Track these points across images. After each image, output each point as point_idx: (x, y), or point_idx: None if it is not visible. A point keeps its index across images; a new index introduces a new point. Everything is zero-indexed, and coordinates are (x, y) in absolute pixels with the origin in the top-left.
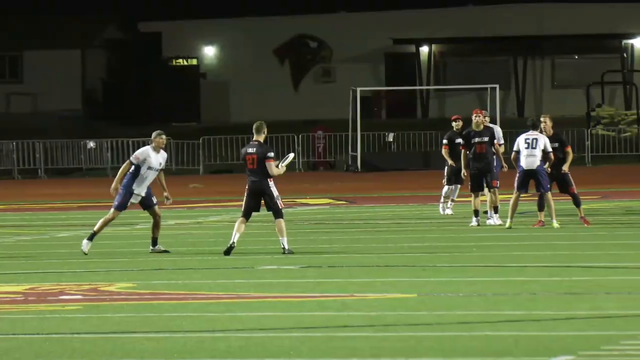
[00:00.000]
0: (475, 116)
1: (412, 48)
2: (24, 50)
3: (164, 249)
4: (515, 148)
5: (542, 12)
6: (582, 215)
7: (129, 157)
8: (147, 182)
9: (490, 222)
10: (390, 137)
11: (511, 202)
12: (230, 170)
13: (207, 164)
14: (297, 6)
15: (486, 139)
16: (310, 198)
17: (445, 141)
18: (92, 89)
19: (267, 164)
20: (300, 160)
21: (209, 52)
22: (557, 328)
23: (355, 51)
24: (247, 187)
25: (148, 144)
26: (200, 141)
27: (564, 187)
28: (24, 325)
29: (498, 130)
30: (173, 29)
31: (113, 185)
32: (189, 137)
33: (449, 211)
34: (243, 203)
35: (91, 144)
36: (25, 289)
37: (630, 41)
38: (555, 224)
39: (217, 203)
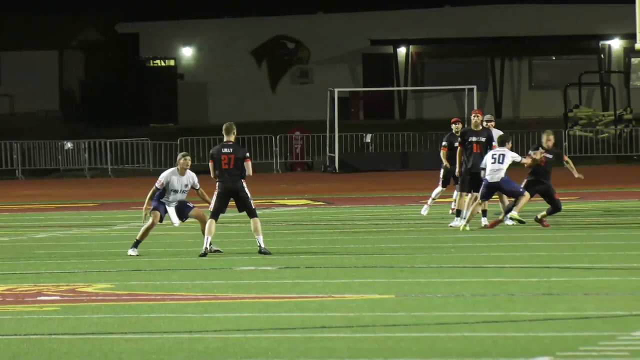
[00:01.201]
0: (474, 116)
1: (390, 49)
2: (0, 51)
3: (216, 248)
4: (482, 164)
5: (519, 13)
6: (543, 218)
7: (106, 158)
8: (178, 199)
9: (454, 223)
10: (368, 138)
11: (472, 207)
12: (208, 171)
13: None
14: (275, 7)
15: (483, 139)
16: (287, 199)
17: (444, 143)
18: (69, 90)
19: (246, 163)
20: (278, 161)
21: (187, 52)
22: (535, 329)
23: (333, 52)
24: (218, 187)
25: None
26: (178, 142)
27: (549, 197)
28: (1, 326)
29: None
30: (150, 29)
31: (144, 207)
32: (167, 138)
33: (425, 212)
34: (212, 204)
35: (69, 145)
36: (3, 290)
37: (608, 42)
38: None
39: (196, 204)
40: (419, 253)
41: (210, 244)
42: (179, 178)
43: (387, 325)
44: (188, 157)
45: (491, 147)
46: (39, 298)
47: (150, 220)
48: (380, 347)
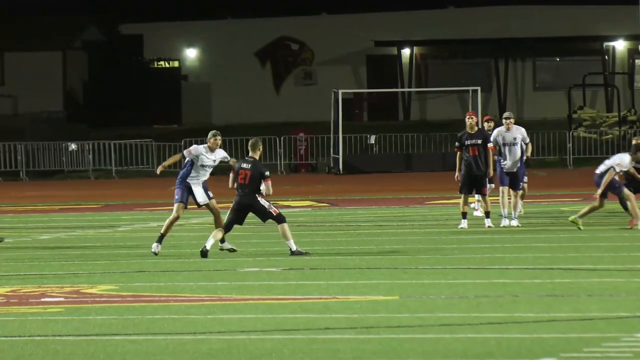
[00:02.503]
0: (468, 118)
1: (394, 50)
2: (4, 52)
3: (230, 246)
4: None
5: (523, 14)
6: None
7: (110, 159)
8: (202, 178)
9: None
10: (372, 140)
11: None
12: (212, 173)
13: None
14: (279, 8)
15: (479, 141)
16: (292, 200)
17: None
18: (73, 91)
19: (265, 183)
20: (282, 162)
21: (191, 54)
22: (538, 330)
23: (337, 53)
24: (235, 200)
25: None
26: (182, 143)
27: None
28: (5, 327)
29: (523, 131)
30: (154, 30)
31: (160, 166)
32: (171, 139)
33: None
34: (227, 216)
35: (73, 146)
36: (7, 292)
37: (612, 43)
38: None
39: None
40: (422, 254)
41: (224, 240)
42: (209, 154)
43: (391, 327)
44: (219, 137)
45: (486, 149)
46: (43, 299)
47: (175, 214)
48: (384, 349)
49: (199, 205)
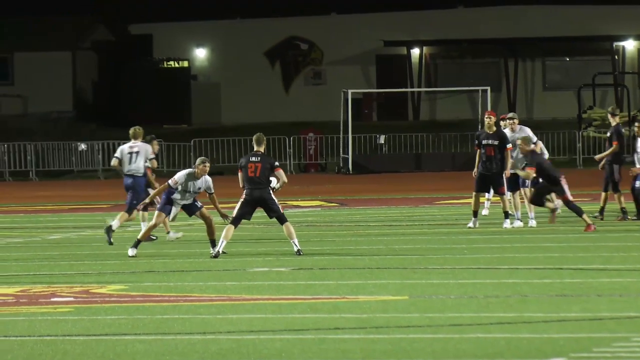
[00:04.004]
0: (487, 118)
1: (403, 50)
2: (14, 52)
3: (223, 250)
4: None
5: (533, 14)
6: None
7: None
8: (185, 202)
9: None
10: (382, 139)
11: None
12: (221, 172)
13: None
14: (288, 8)
15: (495, 142)
16: (301, 200)
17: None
18: (82, 91)
19: (277, 172)
20: (292, 162)
21: (200, 54)
22: (548, 330)
23: (346, 53)
24: (245, 195)
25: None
26: (192, 143)
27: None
28: (15, 327)
29: (527, 131)
30: (164, 30)
31: (149, 197)
32: (180, 139)
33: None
34: (236, 209)
35: (82, 146)
36: (17, 291)
37: (622, 43)
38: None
39: (209, 205)
40: (432, 254)
41: (215, 244)
42: (194, 182)
43: (400, 327)
44: (208, 164)
45: (505, 149)
46: (52, 299)
47: (154, 220)
48: (394, 349)
49: (190, 214)
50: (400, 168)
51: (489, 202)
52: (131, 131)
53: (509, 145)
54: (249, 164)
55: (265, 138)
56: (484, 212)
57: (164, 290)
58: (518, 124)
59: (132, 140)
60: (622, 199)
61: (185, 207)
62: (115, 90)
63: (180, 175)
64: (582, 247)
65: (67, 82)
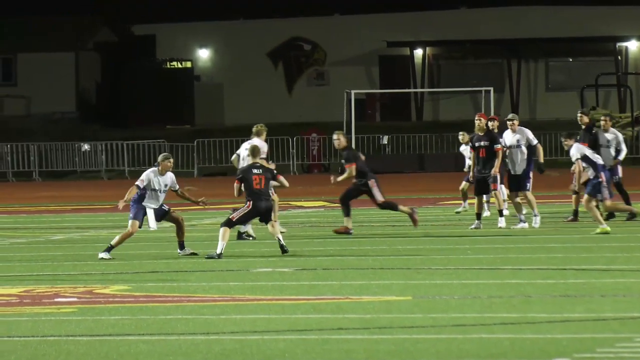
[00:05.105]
0: (477, 120)
1: (406, 51)
2: (17, 53)
3: (191, 251)
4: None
5: (536, 15)
6: None
7: (123, 160)
8: (157, 202)
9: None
10: (385, 140)
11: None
12: (224, 173)
13: (201, 167)
14: (291, 9)
15: (487, 143)
16: (304, 200)
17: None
18: (85, 92)
19: (279, 179)
20: (295, 163)
21: (203, 54)
22: (552, 331)
23: (349, 54)
24: (252, 206)
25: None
26: (195, 144)
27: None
28: (19, 327)
29: (528, 132)
30: (167, 31)
31: (121, 202)
32: (183, 139)
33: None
34: (238, 215)
35: (85, 147)
36: (20, 292)
37: (625, 44)
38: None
39: (211, 206)
40: (435, 255)
41: (184, 246)
42: (160, 178)
43: (404, 327)
44: (171, 160)
45: (494, 150)
46: (56, 299)
47: (129, 229)
48: (398, 349)
49: (150, 228)
50: (404, 168)
51: (490, 204)
52: (254, 129)
53: (498, 146)
54: (253, 176)
55: (261, 151)
56: (486, 213)
57: (168, 290)
58: (519, 125)
59: (254, 138)
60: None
61: (155, 214)
62: (118, 90)
63: (145, 174)
64: (585, 248)
65: (70, 82)
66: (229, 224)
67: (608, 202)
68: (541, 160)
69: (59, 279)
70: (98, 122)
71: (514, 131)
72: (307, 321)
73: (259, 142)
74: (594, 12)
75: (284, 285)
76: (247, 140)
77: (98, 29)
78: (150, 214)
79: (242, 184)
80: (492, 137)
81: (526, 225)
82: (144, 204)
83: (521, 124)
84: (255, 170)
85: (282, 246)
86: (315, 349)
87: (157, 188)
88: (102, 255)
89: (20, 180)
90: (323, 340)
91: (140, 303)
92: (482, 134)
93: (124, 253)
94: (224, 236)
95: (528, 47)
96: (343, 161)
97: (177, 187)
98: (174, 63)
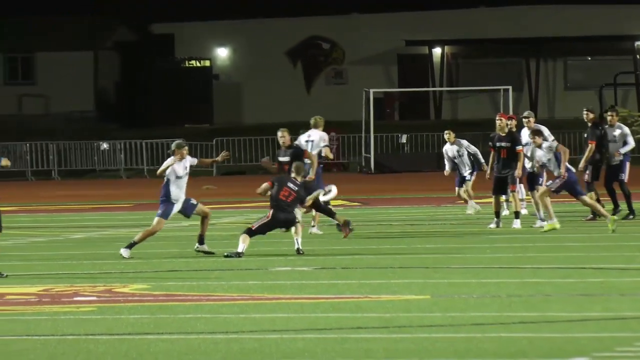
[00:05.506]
0: (497, 120)
1: (425, 49)
2: (36, 52)
3: (208, 250)
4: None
5: (554, 14)
6: None
7: (142, 158)
8: (183, 189)
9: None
10: (404, 139)
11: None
12: (243, 172)
13: (219, 166)
14: (310, 8)
15: (508, 144)
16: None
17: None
18: (104, 91)
19: (302, 206)
20: None
21: (222, 53)
22: (571, 330)
23: (368, 53)
24: (271, 216)
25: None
26: (214, 142)
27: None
28: (38, 326)
29: (544, 129)
30: (185, 30)
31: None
32: (202, 138)
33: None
34: (258, 224)
35: (104, 146)
36: (40, 291)
37: None
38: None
39: (231, 204)
40: (454, 254)
41: (203, 242)
42: (179, 163)
43: (423, 326)
44: (186, 148)
45: (516, 151)
46: (75, 298)
47: (154, 226)
48: (417, 348)
49: (188, 215)
50: (422, 167)
51: (509, 203)
52: (312, 120)
53: (520, 147)
54: (284, 187)
55: (305, 170)
56: (504, 212)
57: (187, 289)
58: (535, 122)
59: (313, 130)
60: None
61: (182, 209)
62: (136, 89)
63: (166, 163)
64: (604, 247)
65: (88, 81)
66: (249, 232)
67: (538, 193)
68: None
69: (78, 278)
70: (117, 121)
71: (530, 129)
72: (326, 320)
73: (317, 133)
74: (613, 11)
75: (303, 284)
76: (265, 138)
77: (117, 28)
78: (179, 206)
79: (272, 188)
80: (514, 138)
81: (545, 224)
82: (172, 199)
83: (540, 122)
84: (290, 185)
85: (297, 249)
86: (334, 348)
87: (181, 175)
88: (123, 251)
89: (40, 179)
90: (342, 339)
91: (159, 302)
92: (503, 134)
93: (143, 252)
94: (244, 240)
95: (547, 46)
96: (288, 158)
97: (196, 161)
98: (193, 62)
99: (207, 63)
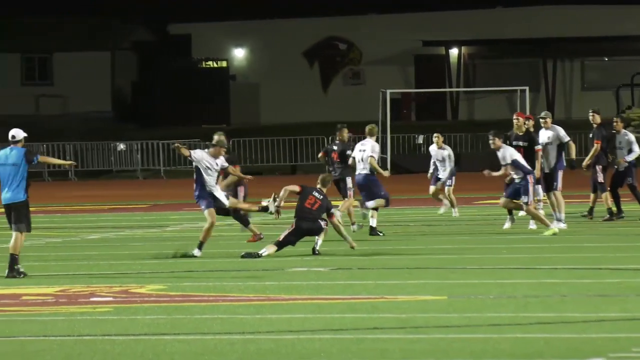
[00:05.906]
0: (515, 119)
1: (442, 50)
2: (53, 52)
3: (197, 254)
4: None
5: (571, 14)
6: None
7: (158, 159)
8: (214, 179)
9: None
10: (420, 139)
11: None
12: (260, 172)
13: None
14: (327, 8)
15: (525, 143)
16: (339, 200)
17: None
18: (121, 91)
19: (331, 220)
20: None
21: (239, 53)
22: (587, 330)
23: (385, 53)
24: (295, 225)
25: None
26: (230, 143)
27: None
28: (54, 327)
29: (559, 130)
30: (202, 30)
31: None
32: None
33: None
34: (284, 235)
35: (121, 146)
36: (56, 291)
37: None
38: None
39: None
40: (471, 254)
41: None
42: (210, 157)
43: (439, 327)
44: (223, 147)
45: (533, 150)
46: (92, 299)
47: (209, 220)
48: (433, 348)
49: (226, 208)
50: None
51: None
52: (367, 128)
53: (538, 147)
54: (310, 195)
55: (331, 181)
56: (521, 212)
57: (203, 290)
58: (552, 123)
59: (368, 138)
60: (609, 199)
61: (221, 199)
62: (153, 90)
63: (196, 150)
64: (620, 247)
65: (105, 82)
66: (278, 243)
67: (530, 206)
68: (573, 157)
69: (95, 279)
70: (134, 122)
71: (547, 129)
72: (343, 321)
73: (370, 143)
74: (630, 11)
75: (320, 285)
76: (282, 139)
77: (134, 29)
78: (220, 195)
79: (298, 196)
80: (531, 138)
81: (563, 225)
82: (208, 190)
83: (557, 123)
84: (315, 194)
85: (313, 248)
86: (350, 348)
87: (210, 166)
88: (195, 252)
89: (56, 179)
90: (358, 340)
91: (175, 302)
92: (520, 133)
93: (159, 252)
94: (269, 248)
95: (564, 46)
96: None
97: (227, 165)
98: (210, 62)
99: (224, 64)
